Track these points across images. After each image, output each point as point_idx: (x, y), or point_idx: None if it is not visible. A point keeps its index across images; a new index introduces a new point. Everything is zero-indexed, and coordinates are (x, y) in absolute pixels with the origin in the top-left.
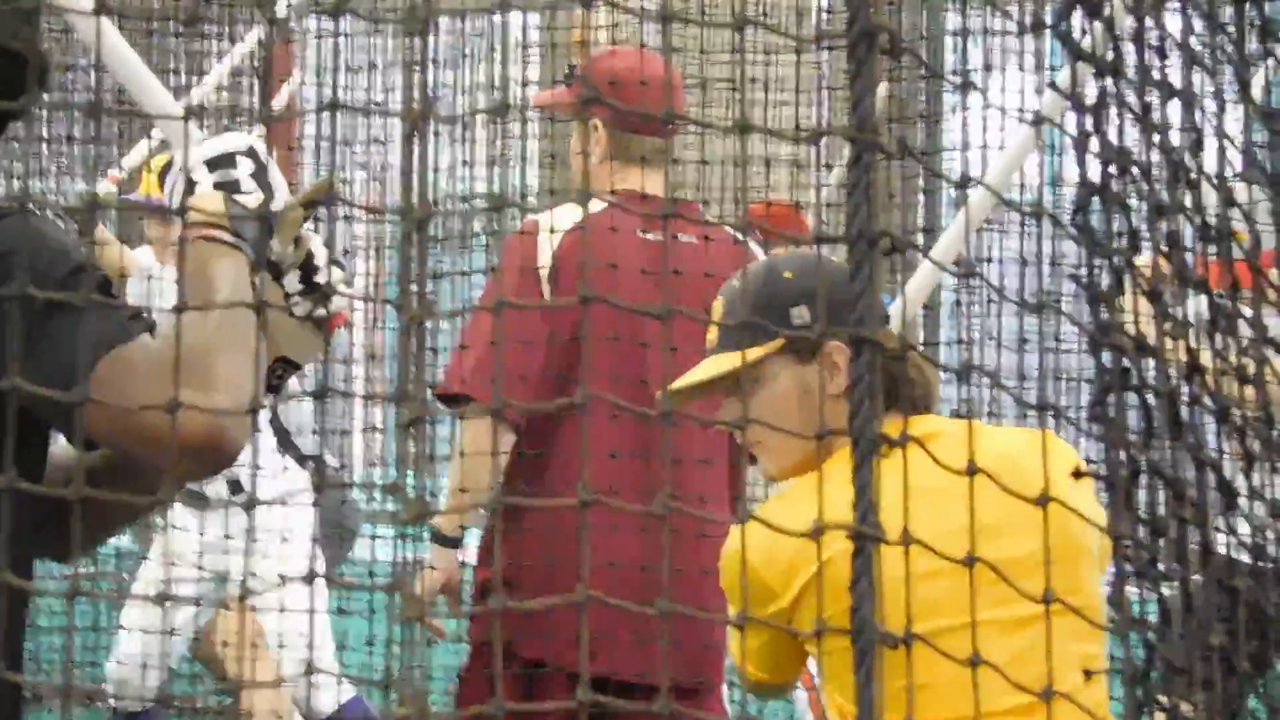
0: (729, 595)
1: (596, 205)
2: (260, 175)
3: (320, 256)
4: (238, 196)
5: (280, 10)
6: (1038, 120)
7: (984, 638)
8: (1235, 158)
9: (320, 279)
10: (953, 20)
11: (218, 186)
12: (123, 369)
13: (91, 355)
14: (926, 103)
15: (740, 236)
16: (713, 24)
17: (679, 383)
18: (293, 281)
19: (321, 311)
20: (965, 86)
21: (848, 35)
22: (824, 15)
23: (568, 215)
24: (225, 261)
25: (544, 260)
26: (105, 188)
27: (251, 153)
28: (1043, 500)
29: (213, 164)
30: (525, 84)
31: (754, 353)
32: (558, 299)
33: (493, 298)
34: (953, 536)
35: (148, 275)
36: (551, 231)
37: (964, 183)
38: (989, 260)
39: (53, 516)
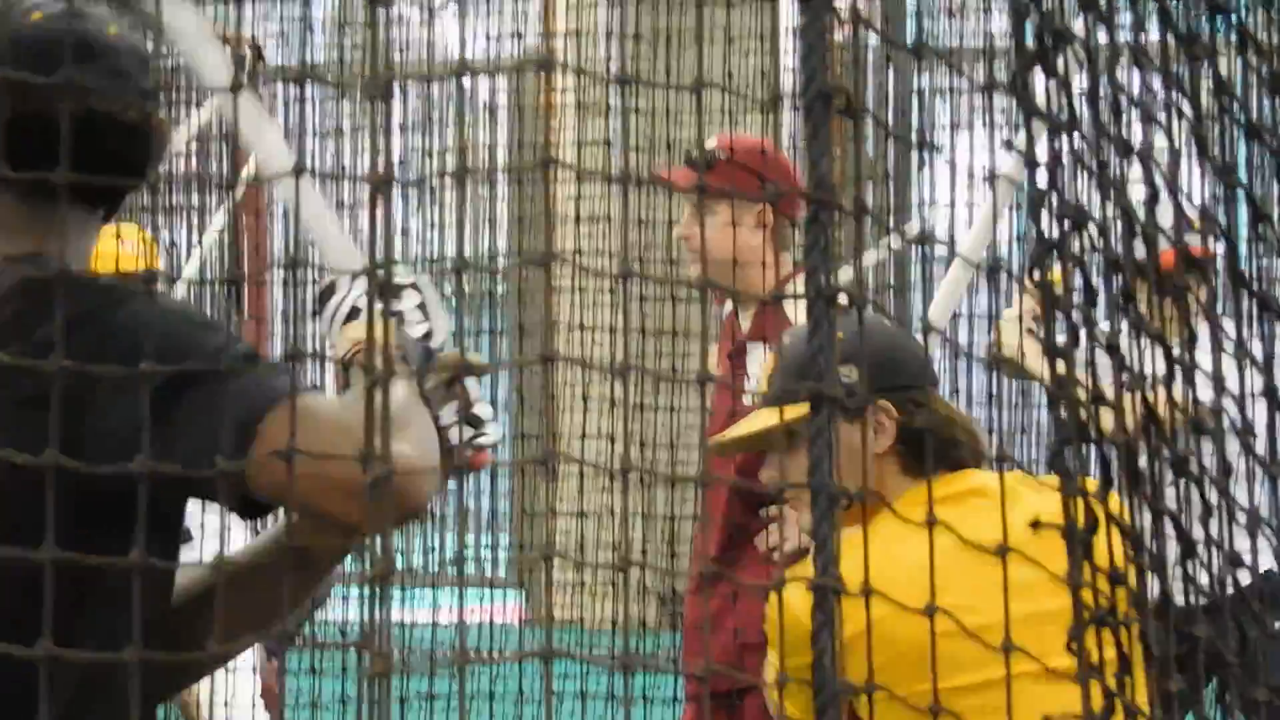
0: (771, 641)
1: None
2: (424, 308)
3: (474, 395)
4: (404, 327)
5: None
6: (993, 177)
7: (1020, 690)
8: (1191, 213)
9: (480, 412)
10: (919, 79)
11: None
12: (305, 418)
13: (250, 414)
14: (894, 162)
15: None
16: (674, 86)
17: (724, 436)
18: (448, 413)
19: (469, 449)
20: (926, 146)
21: (804, 97)
22: (791, 76)
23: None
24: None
25: None
26: None
27: (416, 287)
28: (1002, 550)
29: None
30: (492, 147)
31: (798, 409)
32: None
33: None
34: (993, 591)
35: None
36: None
37: (923, 240)
38: (957, 316)
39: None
